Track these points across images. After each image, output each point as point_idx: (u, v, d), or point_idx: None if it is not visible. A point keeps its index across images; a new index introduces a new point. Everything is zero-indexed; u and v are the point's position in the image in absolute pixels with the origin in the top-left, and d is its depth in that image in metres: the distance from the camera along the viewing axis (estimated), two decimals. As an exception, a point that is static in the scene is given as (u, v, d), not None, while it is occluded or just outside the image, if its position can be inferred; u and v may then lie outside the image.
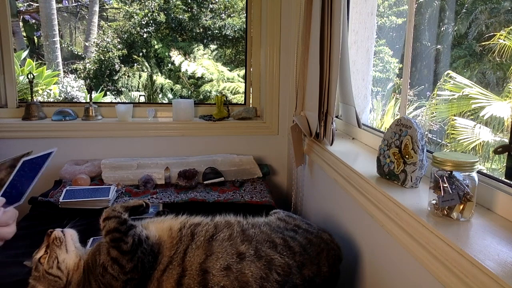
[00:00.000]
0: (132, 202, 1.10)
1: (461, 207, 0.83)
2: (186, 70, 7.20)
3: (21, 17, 7.90)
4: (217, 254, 0.96)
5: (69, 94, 6.68)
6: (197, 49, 7.40)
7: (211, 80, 7.17)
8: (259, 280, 0.93)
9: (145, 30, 7.45)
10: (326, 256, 1.06)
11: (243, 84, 4.07)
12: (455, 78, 4.68)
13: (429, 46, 6.01)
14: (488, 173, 1.06)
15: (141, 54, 7.57)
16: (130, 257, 0.94)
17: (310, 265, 1.01)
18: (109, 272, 0.93)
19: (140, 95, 6.68)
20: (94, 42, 7.80)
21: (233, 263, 0.94)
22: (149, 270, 0.97)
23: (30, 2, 7.94)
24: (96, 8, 8.05)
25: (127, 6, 7.70)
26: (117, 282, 0.93)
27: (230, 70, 7.38)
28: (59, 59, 7.30)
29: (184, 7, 7.51)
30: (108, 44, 7.54)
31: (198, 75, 7.18)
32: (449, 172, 0.83)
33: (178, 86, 7.33)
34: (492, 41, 4.86)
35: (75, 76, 7.38)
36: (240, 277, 0.93)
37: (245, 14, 2.50)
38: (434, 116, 4.91)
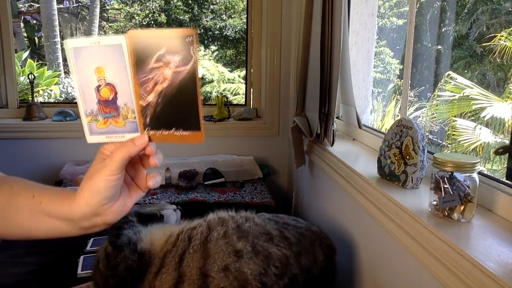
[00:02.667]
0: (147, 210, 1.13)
1: (462, 208, 0.83)
2: (187, 71, 7.19)
3: (22, 17, 7.92)
4: (214, 256, 0.94)
5: (70, 94, 6.69)
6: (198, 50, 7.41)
7: (212, 81, 7.18)
8: (258, 277, 0.93)
9: (146, 30, 7.45)
10: (320, 245, 1.06)
11: (244, 85, 4.08)
12: (456, 79, 4.68)
13: (429, 47, 6.02)
14: (488, 174, 1.06)
15: (141, 54, 7.56)
16: (117, 253, 0.96)
17: (306, 254, 1.01)
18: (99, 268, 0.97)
19: (140, 96, 6.69)
20: (95, 43, 7.80)
21: (231, 263, 0.93)
22: (140, 271, 0.95)
23: (31, 3, 7.95)
24: (97, 9, 8.06)
25: (128, 6, 7.71)
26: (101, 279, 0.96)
27: (231, 71, 7.39)
28: (60, 60, 7.31)
29: (185, 8, 7.52)
30: (109, 45, 7.54)
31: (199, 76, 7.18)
32: (450, 173, 0.83)
33: (178, 87, 7.34)
34: (493, 42, 4.86)
35: (76, 77, 7.38)
36: (239, 276, 0.92)
37: (245, 15, 2.50)
38: (435, 117, 4.91)
